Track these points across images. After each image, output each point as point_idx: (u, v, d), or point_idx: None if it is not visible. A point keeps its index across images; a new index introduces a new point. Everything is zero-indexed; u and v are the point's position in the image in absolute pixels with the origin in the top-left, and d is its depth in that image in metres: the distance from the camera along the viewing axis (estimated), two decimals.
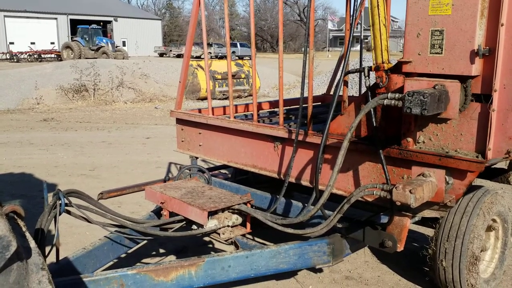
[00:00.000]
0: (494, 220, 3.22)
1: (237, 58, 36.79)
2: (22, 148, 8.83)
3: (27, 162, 7.68)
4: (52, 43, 46.67)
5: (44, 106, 14.63)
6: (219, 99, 15.80)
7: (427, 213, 2.70)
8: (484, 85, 2.39)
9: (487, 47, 2.35)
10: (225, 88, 15.27)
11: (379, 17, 2.54)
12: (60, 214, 2.74)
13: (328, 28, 57.82)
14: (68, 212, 2.84)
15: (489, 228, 3.21)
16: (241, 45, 48.52)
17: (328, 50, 54.57)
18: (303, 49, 3.07)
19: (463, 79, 2.40)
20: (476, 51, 2.31)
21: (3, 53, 41.00)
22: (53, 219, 2.68)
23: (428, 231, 3.70)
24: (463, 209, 2.92)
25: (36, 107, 14.41)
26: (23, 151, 8.52)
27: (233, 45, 50.26)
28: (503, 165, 3.63)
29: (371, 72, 2.73)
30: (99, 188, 6.29)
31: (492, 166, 3.54)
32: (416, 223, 3.40)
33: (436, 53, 2.43)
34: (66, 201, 2.78)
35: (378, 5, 2.53)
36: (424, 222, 3.29)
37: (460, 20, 2.34)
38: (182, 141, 4.15)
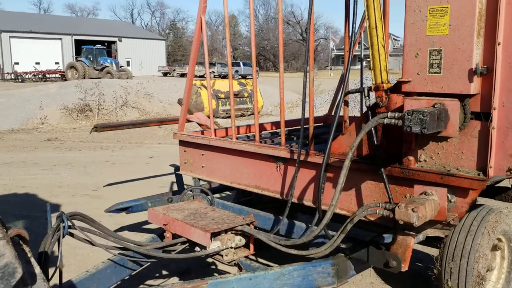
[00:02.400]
0: (499, 239, 3.19)
1: (240, 77, 37.05)
2: (26, 168, 8.87)
3: (31, 182, 7.70)
4: (57, 63, 47.20)
5: (48, 126, 14.73)
6: (223, 117, 15.89)
7: (431, 232, 2.69)
8: (483, 103, 2.41)
9: (485, 66, 2.37)
10: (228, 107, 15.38)
11: (377, 38, 2.57)
12: (63, 237, 2.75)
13: (330, 47, 58.34)
14: (71, 235, 2.85)
15: (495, 248, 3.18)
16: (244, 64, 48.90)
17: (331, 69, 55.00)
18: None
19: (462, 98, 2.41)
20: (474, 70, 2.33)
21: (8, 73, 41.49)
22: (57, 241, 2.69)
23: (433, 251, 3.67)
24: (468, 228, 2.90)
25: (40, 127, 14.51)
26: (27, 171, 8.55)
27: (236, 64, 50.70)
28: (507, 183, 3.62)
29: (371, 92, 2.75)
30: (102, 208, 6.28)
31: (496, 185, 3.53)
32: (420, 243, 3.37)
33: (435, 73, 2.45)
34: (69, 224, 2.78)
35: (376, 26, 2.57)
36: (428, 242, 3.27)
37: (458, 39, 2.37)
38: (185, 162, 4.17)
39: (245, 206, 3.77)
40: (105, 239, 2.96)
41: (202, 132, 4.28)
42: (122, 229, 5.56)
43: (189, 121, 4.63)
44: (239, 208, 3.70)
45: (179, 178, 4.48)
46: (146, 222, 4.95)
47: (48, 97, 17.10)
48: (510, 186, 3.71)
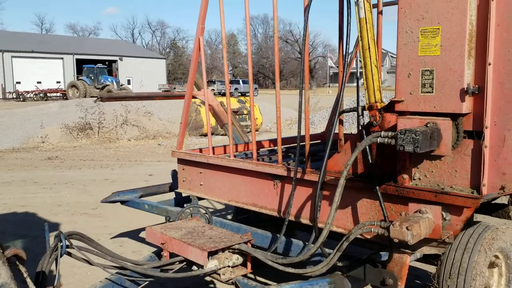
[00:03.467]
0: (496, 257, 3.20)
1: (239, 94, 37.27)
2: (26, 187, 8.89)
3: (30, 201, 7.71)
4: (58, 82, 47.53)
5: (49, 144, 14.78)
6: (222, 134, 15.96)
7: (426, 250, 2.70)
8: (475, 122, 2.45)
9: (477, 86, 2.42)
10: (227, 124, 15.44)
11: (370, 59, 2.63)
12: (61, 256, 2.76)
13: (328, 65, 58.89)
14: (69, 254, 2.86)
15: (492, 265, 3.19)
16: (244, 82, 49.26)
17: (329, 86, 55.50)
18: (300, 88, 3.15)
19: (455, 117, 2.45)
20: (465, 89, 2.38)
21: (9, 92, 41.73)
22: (54, 261, 2.70)
23: (432, 269, 3.67)
24: (464, 245, 2.91)
25: (41, 146, 14.55)
26: (27, 190, 8.57)
27: (236, 82, 50.98)
28: (504, 199, 3.64)
29: (365, 111, 2.79)
30: (101, 227, 6.30)
31: (493, 201, 3.55)
32: (418, 260, 3.38)
33: (427, 92, 2.50)
34: (67, 243, 2.80)
35: (369, 47, 2.62)
36: (426, 259, 3.27)
37: (449, 60, 2.42)
38: (184, 181, 4.20)
39: (243, 224, 3.78)
40: (103, 258, 2.97)
41: (201, 150, 4.31)
42: (122, 245, 5.56)
43: (194, 97, 4.58)
44: (237, 226, 3.71)
45: (178, 195, 4.50)
46: (145, 240, 4.95)
47: (49, 116, 17.20)
48: (507, 203, 3.72)
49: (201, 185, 4.04)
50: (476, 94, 2.42)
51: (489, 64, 2.36)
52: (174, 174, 4.41)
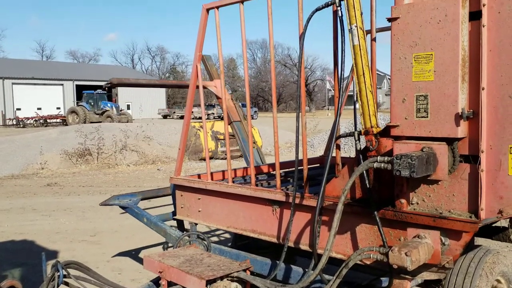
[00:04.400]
0: (498, 281, 3.16)
1: None
2: (24, 214, 8.84)
3: (29, 228, 7.67)
4: (58, 108, 47.82)
5: (48, 171, 14.76)
6: (222, 158, 15.96)
7: (427, 275, 2.68)
8: (471, 146, 2.46)
9: (471, 110, 2.44)
10: None
11: (365, 84, 2.66)
12: (58, 286, 2.74)
13: (326, 88, 59.44)
14: (67, 284, 2.84)
15: None
16: (243, 105, 49.53)
17: (328, 109, 55.88)
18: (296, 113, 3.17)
19: (450, 141, 2.46)
20: (460, 114, 2.39)
21: (9, 119, 41.91)
22: None
23: None
24: (465, 270, 2.88)
25: (40, 172, 14.53)
26: (25, 217, 8.52)
27: None
28: (504, 223, 3.62)
29: (361, 136, 2.81)
30: (100, 254, 6.24)
31: (493, 225, 3.53)
32: (419, 285, 3.34)
33: (422, 117, 2.51)
34: (65, 273, 2.78)
35: (364, 73, 2.66)
36: (427, 284, 3.23)
37: (443, 85, 2.44)
38: (182, 207, 4.19)
39: (242, 251, 3.76)
40: (100, 287, 2.94)
41: (199, 176, 4.31)
42: (120, 273, 5.50)
43: (204, 87, 4.51)
44: (236, 253, 3.68)
45: (180, 222, 4.46)
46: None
47: (48, 142, 17.23)
48: (507, 226, 3.71)
49: (199, 211, 4.02)
50: (471, 119, 2.44)
51: (483, 89, 2.38)
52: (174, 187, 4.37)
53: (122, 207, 4.48)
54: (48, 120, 40.13)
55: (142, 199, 4.66)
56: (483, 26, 2.36)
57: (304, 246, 3.27)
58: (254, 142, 5.45)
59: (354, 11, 2.68)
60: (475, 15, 2.41)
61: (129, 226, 7.64)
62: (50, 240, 7.01)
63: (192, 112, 4.56)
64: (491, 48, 2.37)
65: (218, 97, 4.91)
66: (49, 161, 15.30)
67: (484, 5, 2.35)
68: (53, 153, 15.92)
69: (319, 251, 2.93)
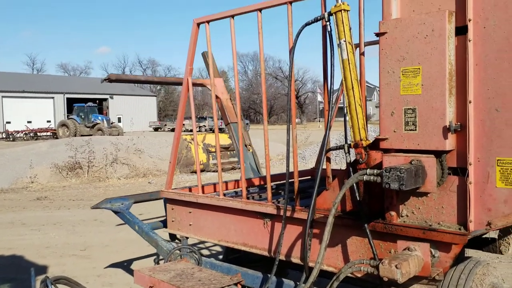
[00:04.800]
0: None
1: None
2: (14, 228, 8.74)
3: (18, 243, 7.58)
4: (49, 121, 47.55)
5: (38, 184, 14.63)
6: (213, 171, 15.93)
7: None
8: (459, 159, 2.48)
9: (459, 123, 2.47)
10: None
11: (354, 98, 2.69)
12: None
13: (317, 100, 59.86)
14: None
15: None
16: None
17: (319, 121, 56.21)
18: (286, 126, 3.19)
19: (438, 154, 2.49)
20: (448, 127, 2.42)
21: None
22: None
23: None
24: (456, 281, 2.89)
25: (30, 186, 14.40)
26: (14, 232, 8.43)
27: None
28: (493, 234, 3.64)
29: (351, 149, 2.83)
30: (90, 269, 6.18)
31: (483, 236, 3.55)
32: None
33: (411, 130, 2.54)
34: None
35: (353, 87, 2.69)
36: None
37: (431, 98, 2.48)
38: (173, 221, 4.17)
39: (233, 265, 3.74)
40: None
41: (190, 189, 4.30)
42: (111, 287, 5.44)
43: (202, 85, 4.36)
44: (227, 267, 3.67)
45: (172, 236, 4.42)
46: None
47: (38, 155, 17.10)
48: (496, 237, 3.73)
49: (190, 225, 4.00)
50: (458, 132, 2.47)
51: (470, 102, 2.42)
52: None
53: (114, 212, 4.42)
54: (38, 134, 39.84)
55: (134, 203, 4.60)
56: (469, 41, 2.41)
57: (295, 259, 3.27)
58: (249, 144, 5.41)
59: (343, 26, 2.72)
60: (461, 30, 2.45)
61: (120, 240, 7.58)
62: (39, 254, 6.93)
63: (184, 124, 4.54)
64: (477, 62, 2.41)
65: (217, 97, 4.83)
66: (39, 174, 15.17)
67: (470, 20, 2.40)
68: (43, 166, 15.79)
69: (310, 264, 2.92)
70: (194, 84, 4.45)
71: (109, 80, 4.61)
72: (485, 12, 2.36)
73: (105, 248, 7.23)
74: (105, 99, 53.50)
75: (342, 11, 2.73)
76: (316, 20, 2.95)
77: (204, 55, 4.93)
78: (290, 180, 3.26)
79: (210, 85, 4.32)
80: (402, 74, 2.56)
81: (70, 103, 46.65)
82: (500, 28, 2.32)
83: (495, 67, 2.35)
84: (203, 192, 4.06)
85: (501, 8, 2.32)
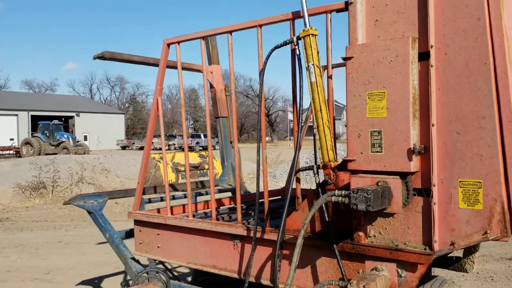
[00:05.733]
0: None
1: (201, 148, 37.23)
2: None
3: None
4: (12, 139, 46.11)
5: None
6: (182, 191, 15.74)
7: None
8: (423, 180, 2.55)
9: (422, 145, 2.55)
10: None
11: (322, 120, 2.74)
12: None
13: (288, 119, 60.48)
14: None
15: None
16: (205, 136, 49.58)
17: (290, 139, 56.74)
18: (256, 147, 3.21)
19: (404, 175, 2.55)
20: (412, 149, 2.50)
21: None
22: None
23: None
24: None
25: None
26: None
27: (197, 136, 50.95)
28: (459, 253, 3.73)
29: (320, 170, 2.87)
30: None
31: (449, 255, 3.64)
32: None
33: (377, 152, 2.60)
34: None
35: (321, 109, 2.74)
36: None
37: (395, 121, 2.55)
38: (140, 243, 4.09)
39: (202, 287, 3.69)
40: None
41: (158, 211, 4.24)
42: None
43: (199, 71, 4.17)
44: None
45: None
46: None
47: (0, 175, 16.52)
48: (462, 256, 3.82)
49: (158, 247, 3.94)
50: (422, 154, 2.55)
51: (433, 125, 2.50)
52: None
53: (87, 211, 4.27)
54: (1, 152, 38.53)
55: (110, 199, 4.48)
56: (431, 66, 2.50)
57: (265, 281, 3.26)
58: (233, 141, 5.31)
59: (311, 50, 2.78)
60: (424, 56, 2.55)
61: (86, 263, 7.38)
62: None
63: (152, 143, 4.49)
64: (439, 87, 2.51)
65: (211, 86, 4.65)
66: (1, 195, 14.65)
67: (432, 47, 2.50)
68: (5, 186, 15.27)
69: (280, 286, 2.92)
70: (188, 69, 4.30)
71: (103, 57, 4.37)
72: (446, 39, 2.47)
73: (70, 271, 7.00)
74: (71, 117, 52.42)
75: (310, 35, 2.80)
76: (285, 43, 3.01)
77: (208, 40, 4.73)
78: (260, 200, 3.27)
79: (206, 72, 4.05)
80: (368, 97, 2.63)
81: (35, 120, 45.49)
82: (460, 55, 2.43)
83: (456, 91, 2.45)
84: (172, 213, 4.01)
85: (460, 35, 2.43)
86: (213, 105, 4.89)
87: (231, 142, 5.37)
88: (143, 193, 4.36)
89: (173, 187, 5.65)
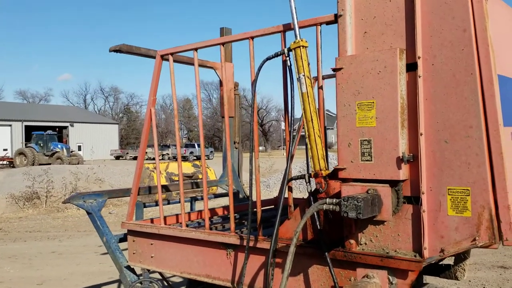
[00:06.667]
0: None
1: (195, 158, 37.19)
2: None
3: None
4: (5, 149, 45.87)
5: None
6: (177, 193, 15.69)
7: None
8: (413, 188, 2.60)
9: (411, 154, 2.59)
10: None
11: (313, 129, 2.78)
12: None
13: (281, 128, 60.69)
14: None
15: None
16: (199, 146, 49.57)
17: (283, 149, 56.89)
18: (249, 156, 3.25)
19: (393, 183, 2.60)
20: (401, 157, 2.54)
21: None
22: None
23: None
24: None
25: None
26: None
27: (191, 146, 50.89)
28: (450, 260, 3.77)
29: (312, 178, 2.91)
30: None
31: (440, 263, 3.68)
32: None
33: (367, 160, 2.65)
34: None
35: (312, 119, 2.79)
36: None
37: (384, 130, 2.60)
38: (134, 253, 4.10)
39: None
40: None
41: (152, 220, 4.26)
42: None
43: (211, 67, 4.15)
44: None
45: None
46: None
47: None
48: (452, 264, 3.86)
49: (152, 257, 3.95)
50: (411, 162, 2.59)
51: (421, 134, 2.55)
52: None
53: (86, 211, 4.24)
54: None
55: (109, 198, 4.48)
56: (419, 77, 2.56)
57: None
58: (237, 142, 5.35)
59: (302, 61, 2.84)
60: (411, 67, 2.61)
61: (79, 273, 7.35)
62: None
63: (146, 152, 4.50)
64: (427, 97, 2.56)
65: (221, 83, 4.66)
66: None
67: (419, 58, 2.56)
68: None
69: None
70: (203, 66, 4.24)
71: (119, 51, 4.28)
72: (433, 50, 2.53)
73: (63, 282, 6.97)
74: (65, 127, 52.28)
75: (301, 47, 2.86)
76: (276, 55, 3.06)
77: (223, 31, 4.71)
78: (254, 210, 3.30)
79: (218, 69, 4.00)
80: (358, 108, 2.68)
81: (29, 131, 45.31)
82: (447, 65, 2.49)
83: (444, 101, 2.50)
84: (165, 223, 4.03)
85: (447, 47, 2.49)
86: (220, 104, 4.84)
87: (235, 142, 5.41)
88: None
89: (166, 188, 5.67)
